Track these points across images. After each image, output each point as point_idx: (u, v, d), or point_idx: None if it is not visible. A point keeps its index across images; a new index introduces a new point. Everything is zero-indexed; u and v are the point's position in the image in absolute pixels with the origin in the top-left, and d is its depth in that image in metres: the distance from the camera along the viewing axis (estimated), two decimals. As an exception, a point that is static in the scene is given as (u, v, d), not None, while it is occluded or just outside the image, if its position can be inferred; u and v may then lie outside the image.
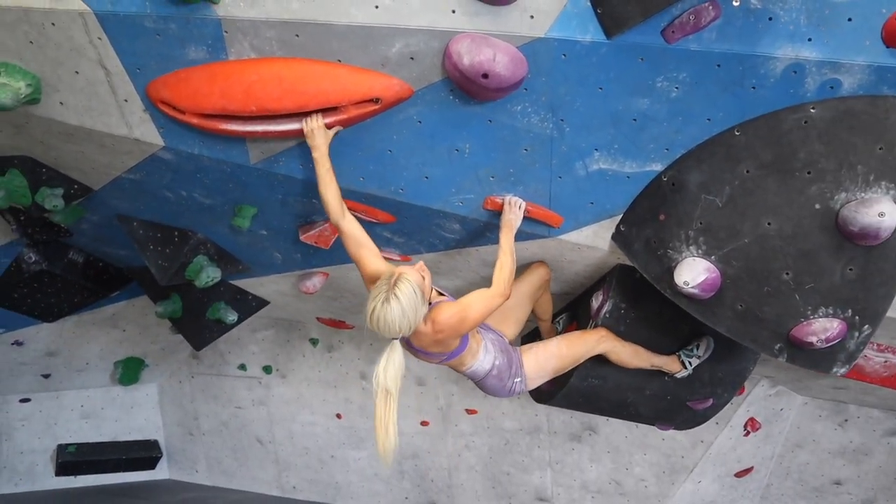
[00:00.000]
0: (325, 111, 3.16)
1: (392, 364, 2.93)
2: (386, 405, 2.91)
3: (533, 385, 3.75)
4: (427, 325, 3.13)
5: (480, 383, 3.64)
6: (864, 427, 5.86)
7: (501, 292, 3.21)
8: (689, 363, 3.96)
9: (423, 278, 3.07)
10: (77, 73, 3.35)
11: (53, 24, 3.17)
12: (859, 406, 5.76)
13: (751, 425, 5.84)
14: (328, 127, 3.22)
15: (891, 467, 6.00)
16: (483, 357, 3.50)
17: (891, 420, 5.76)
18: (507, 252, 3.30)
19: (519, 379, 3.63)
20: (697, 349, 3.92)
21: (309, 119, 3.21)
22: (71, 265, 5.76)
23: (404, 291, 2.93)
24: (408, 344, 3.26)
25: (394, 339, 2.98)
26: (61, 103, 3.50)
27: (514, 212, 3.42)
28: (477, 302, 3.18)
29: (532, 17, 2.85)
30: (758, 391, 5.66)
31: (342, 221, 3.29)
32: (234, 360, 7.19)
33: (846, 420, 5.87)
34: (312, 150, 3.24)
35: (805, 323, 3.14)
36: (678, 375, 4.02)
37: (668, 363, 3.97)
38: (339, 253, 4.27)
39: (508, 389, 3.64)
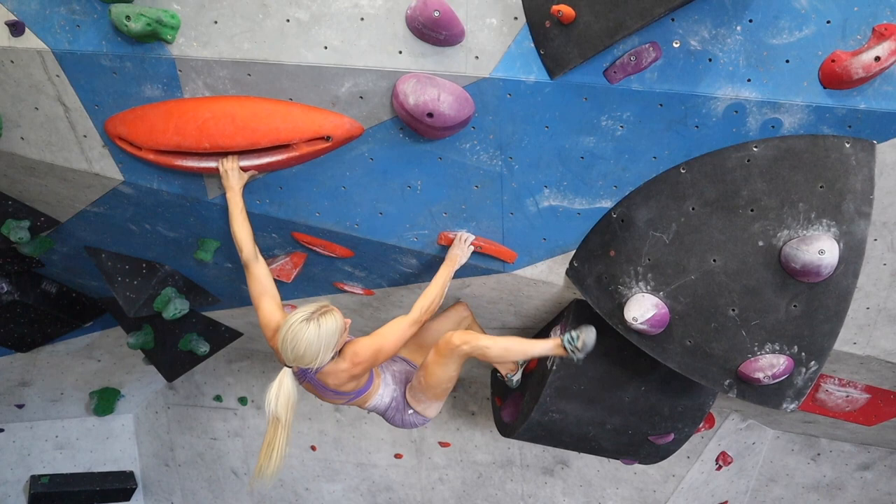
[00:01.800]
0: (277, 148, 3.21)
1: (283, 392, 2.94)
2: (276, 432, 2.93)
3: (428, 411, 3.63)
4: (344, 362, 3.14)
5: (385, 417, 3.64)
6: (836, 461, 5.85)
7: (416, 319, 3.23)
8: (572, 350, 3.40)
9: (345, 329, 3.09)
10: (37, 109, 3.40)
11: (12, 61, 3.22)
12: (831, 440, 5.75)
13: (722, 459, 5.82)
14: (244, 170, 3.30)
15: (864, 502, 5.97)
16: (383, 391, 3.53)
17: (862, 454, 5.74)
18: (438, 283, 3.34)
19: (411, 411, 3.60)
20: (576, 339, 3.39)
21: (224, 160, 3.28)
22: (44, 296, 5.77)
23: (328, 322, 2.96)
24: (321, 386, 3.25)
25: (287, 366, 3.00)
26: (22, 138, 3.54)
27: (460, 247, 3.45)
28: (391, 332, 3.21)
29: (477, 57, 2.91)
30: (728, 425, 5.65)
31: (253, 263, 3.31)
32: (210, 391, 7.17)
33: (818, 454, 5.85)
34: (226, 191, 3.31)
35: (752, 359, 3.16)
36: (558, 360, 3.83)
37: (551, 348, 3.50)
38: (302, 286, 4.30)
39: (409, 422, 3.64)
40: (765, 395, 3.27)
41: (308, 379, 3.22)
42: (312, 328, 2.92)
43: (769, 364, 3.13)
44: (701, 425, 4.55)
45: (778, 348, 3.13)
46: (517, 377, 4.26)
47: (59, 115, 3.40)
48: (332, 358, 3.12)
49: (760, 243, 3.03)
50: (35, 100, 3.36)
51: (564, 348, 3.41)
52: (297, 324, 2.93)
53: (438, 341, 3.45)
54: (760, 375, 3.14)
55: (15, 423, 7.23)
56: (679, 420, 4.14)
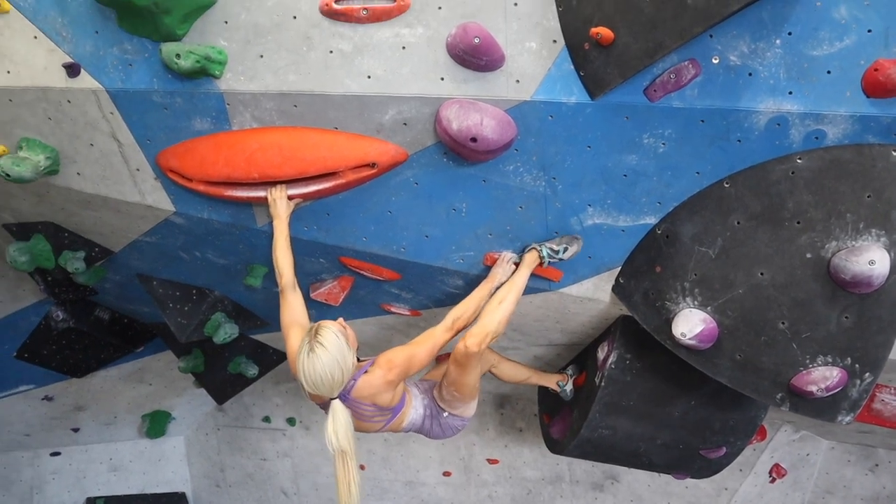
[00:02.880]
0: (324, 176, 3.28)
1: (340, 425, 2.92)
2: (345, 466, 2.89)
3: (466, 412, 3.58)
4: (379, 369, 3.11)
5: (423, 431, 3.59)
6: None
7: (448, 326, 3.24)
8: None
9: (345, 328, 3.05)
10: (92, 145, 3.53)
11: (69, 101, 3.36)
12: (889, 450, 5.62)
13: (776, 472, 5.73)
14: (292, 199, 3.38)
15: (926, 513, 5.82)
16: (416, 404, 3.50)
17: (922, 464, 5.61)
18: (474, 298, 3.36)
19: (446, 414, 3.55)
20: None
21: (273, 189, 3.36)
22: (97, 322, 5.94)
23: (328, 338, 2.91)
24: (358, 405, 3.15)
25: (332, 399, 2.98)
26: (78, 174, 3.67)
27: (501, 266, 3.49)
28: (424, 340, 3.21)
29: (518, 81, 2.95)
30: (781, 437, 5.56)
31: (291, 290, 3.34)
32: (259, 413, 7.27)
33: (877, 465, 5.72)
34: (273, 219, 3.38)
35: (804, 372, 3.12)
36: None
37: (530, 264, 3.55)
38: (350, 309, 4.37)
39: (449, 426, 3.59)
40: (819, 409, 3.23)
41: (345, 402, 3.11)
42: (321, 353, 2.88)
43: (822, 377, 3.09)
44: (753, 438, 4.49)
45: (830, 360, 3.09)
46: (569, 386, 4.27)
47: (113, 151, 3.53)
48: (362, 366, 3.10)
49: (808, 255, 3.01)
50: (90, 136, 3.49)
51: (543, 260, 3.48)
52: (306, 363, 2.89)
53: (454, 355, 3.36)
54: (813, 388, 3.10)
55: (71, 447, 7.42)
56: (730, 433, 4.10)
